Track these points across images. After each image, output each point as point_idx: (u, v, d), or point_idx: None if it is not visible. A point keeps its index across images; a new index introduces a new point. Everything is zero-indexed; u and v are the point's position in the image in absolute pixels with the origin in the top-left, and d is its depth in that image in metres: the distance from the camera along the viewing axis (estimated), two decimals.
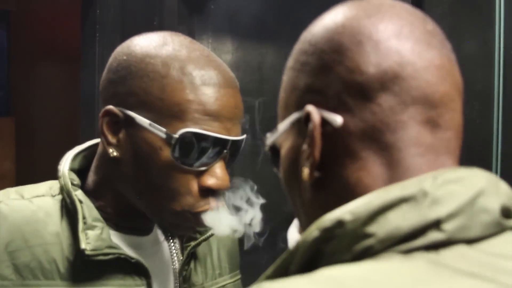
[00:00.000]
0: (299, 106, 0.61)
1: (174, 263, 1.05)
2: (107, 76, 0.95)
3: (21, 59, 4.00)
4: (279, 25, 2.84)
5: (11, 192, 0.97)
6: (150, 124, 0.89)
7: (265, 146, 0.70)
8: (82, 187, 0.97)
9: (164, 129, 0.88)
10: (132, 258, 0.93)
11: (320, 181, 0.60)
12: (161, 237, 1.06)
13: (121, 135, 0.92)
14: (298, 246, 0.55)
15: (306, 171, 0.59)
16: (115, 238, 0.96)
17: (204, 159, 0.90)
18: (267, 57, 2.81)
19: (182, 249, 1.07)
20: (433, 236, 0.50)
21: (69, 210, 0.93)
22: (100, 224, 0.93)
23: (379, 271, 0.49)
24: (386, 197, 0.52)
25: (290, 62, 0.65)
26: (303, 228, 0.67)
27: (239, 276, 1.19)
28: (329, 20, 0.62)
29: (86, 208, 0.93)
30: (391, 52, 0.57)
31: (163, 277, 1.02)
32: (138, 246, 1.00)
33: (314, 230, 0.53)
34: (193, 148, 0.88)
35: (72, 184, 0.95)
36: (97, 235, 0.91)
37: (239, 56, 2.72)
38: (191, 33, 2.52)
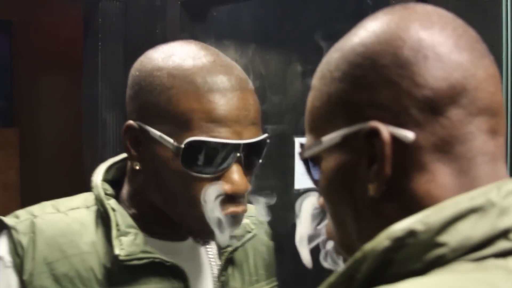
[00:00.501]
0: (353, 120, 0.61)
1: (212, 269, 1.07)
2: (127, 92, 0.98)
3: (24, 69, 4.01)
4: (282, 32, 2.83)
5: (47, 206, 1.00)
6: (160, 137, 0.91)
7: (301, 155, 0.69)
8: (117, 197, 1.02)
9: (171, 140, 0.89)
10: (167, 262, 0.95)
11: (385, 195, 0.60)
12: (197, 243, 1.07)
13: (141, 148, 0.95)
14: (366, 254, 0.56)
15: (373, 187, 0.60)
16: (151, 244, 0.98)
17: (216, 165, 0.90)
18: (270, 64, 2.80)
19: (220, 254, 1.08)
20: (502, 245, 0.53)
21: (103, 219, 0.97)
22: (134, 230, 0.96)
23: (461, 281, 0.51)
24: (456, 207, 0.54)
25: (333, 73, 0.64)
26: (348, 244, 0.67)
27: (275, 283, 1.21)
28: (382, 32, 0.61)
29: (119, 216, 0.96)
30: (455, 65, 0.58)
31: (201, 282, 1.04)
32: (174, 251, 1.01)
33: (384, 240, 0.55)
34: (202, 156, 0.89)
35: (106, 193, 0.99)
36: (130, 241, 0.94)
37: (242, 64, 2.71)
38: (193, 39, 2.50)
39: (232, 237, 1.05)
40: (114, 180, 1.05)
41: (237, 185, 0.91)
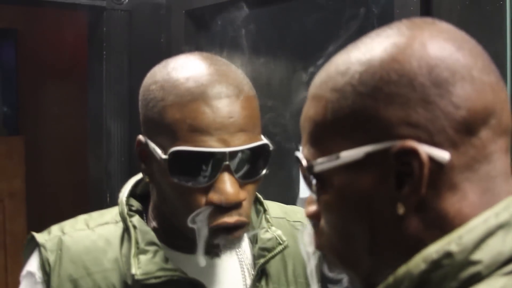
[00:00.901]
0: (381, 138, 0.60)
1: (245, 281, 1.05)
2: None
3: (29, 77, 4.02)
4: (287, 41, 2.83)
5: (79, 222, 1.04)
6: (153, 149, 0.92)
7: (307, 169, 0.67)
8: (146, 210, 1.03)
9: (159, 152, 0.90)
10: (187, 278, 0.95)
11: (412, 213, 0.60)
12: (228, 254, 1.06)
13: (147, 161, 0.96)
14: (400, 278, 0.57)
15: (403, 206, 0.60)
16: (174, 258, 0.98)
17: (204, 175, 0.89)
18: (275, 73, 2.79)
19: (254, 266, 1.07)
20: None
21: (128, 235, 0.99)
22: (153, 248, 0.96)
23: None
24: (486, 225, 0.56)
25: (358, 87, 0.61)
26: (350, 259, 0.66)
27: None
28: (416, 50, 0.60)
29: (140, 233, 0.97)
30: (487, 87, 0.60)
31: None
32: (198, 264, 1.00)
33: (420, 263, 0.56)
34: (188, 166, 0.88)
35: (131, 210, 1.01)
36: (148, 259, 0.94)
37: (247, 72, 2.69)
38: (198, 49, 2.51)
39: (264, 249, 1.06)
40: (144, 194, 1.06)
41: (225, 195, 0.88)
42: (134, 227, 0.98)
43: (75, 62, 3.45)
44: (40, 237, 1.00)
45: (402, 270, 0.57)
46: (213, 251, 1.01)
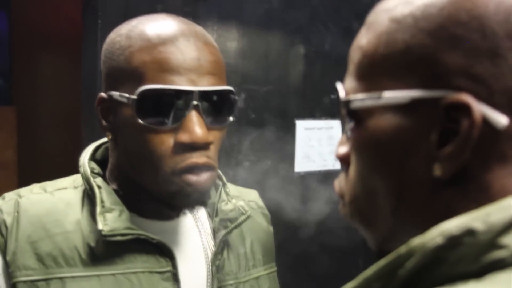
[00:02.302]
0: (434, 84, 0.52)
1: (206, 253, 1.04)
2: None
3: (23, 46, 3.97)
4: (286, 12, 2.79)
5: (35, 187, 1.01)
6: (120, 95, 0.89)
7: (344, 103, 0.60)
8: (104, 176, 1.02)
9: (126, 95, 0.88)
10: (153, 239, 0.94)
11: (450, 178, 0.53)
12: (190, 223, 1.06)
13: (110, 117, 0.95)
14: (412, 250, 0.51)
15: (440, 168, 0.52)
16: (138, 223, 0.98)
17: (172, 115, 0.88)
18: (273, 44, 2.76)
19: (215, 238, 1.06)
20: None
21: (89, 198, 0.97)
22: (119, 207, 0.95)
23: None
24: None
25: (420, 22, 0.54)
26: (364, 213, 0.61)
27: (274, 269, 1.19)
28: None
29: (105, 193, 0.96)
30: None
31: (193, 264, 1.02)
32: (162, 230, 1.00)
33: (437, 236, 0.50)
34: (157, 106, 0.87)
35: (92, 172, 0.99)
36: (115, 217, 0.93)
37: (245, 44, 2.67)
38: (195, 19, 2.47)
39: (226, 220, 1.06)
40: (103, 159, 1.05)
41: (194, 133, 0.87)
42: (99, 186, 0.96)
43: (69, 30, 3.41)
44: None
45: (416, 241, 0.51)
46: (177, 208, 1.00)
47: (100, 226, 0.91)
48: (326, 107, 2.96)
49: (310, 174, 2.89)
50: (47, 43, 3.88)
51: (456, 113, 0.50)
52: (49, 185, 1.02)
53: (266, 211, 1.24)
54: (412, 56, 0.54)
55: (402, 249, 0.52)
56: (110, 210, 0.94)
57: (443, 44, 0.52)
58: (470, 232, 0.48)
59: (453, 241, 0.49)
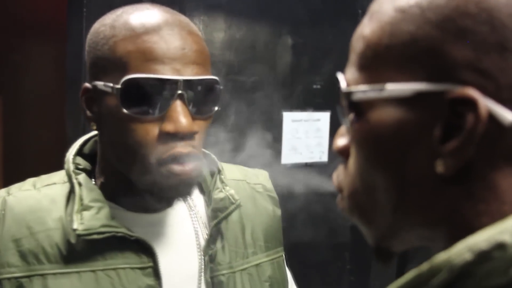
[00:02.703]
0: (440, 78, 0.50)
1: (199, 242, 1.04)
2: None
3: (7, 36, 3.92)
4: (274, 2, 2.78)
5: (26, 183, 1.02)
6: (104, 85, 0.89)
7: (346, 95, 0.58)
8: (93, 170, 1.02)
9: (110, 84, 0.88)
10: (131, 236, 0.94)
11: (453, 176, 0.51)
12: (183, 213, 1.06)
13: (94, 107, 0.94)
14: (437, 267, 0.49)
15: (443, 164, 0.51)
16: (123, 217, 0.98)
17: (157, 104, 0.88)
18: (260, 35, 2.75)
19: (208, 227, 1.06)
20: None
21: (73, 195, 0.97)
22: (98, 204, 0.94)
23: None
24: None
25: (427, 12, 0.52)
26: (363, 209, 0.60)
27: (280, 254, 1.18)
28: None
29: (85, 190, 0.96)
30: None
31: (182, 255, 1.01)
32: (149, 224, 1.01)
33: (465, 253, 0.48)
34: (141, 95, 0.87)
35: (78, 168, 1.00)
36: (91, 215, 0.92)
37: (232, 34, 2.65)
38: (182, 10, 2.45)
39: (216, 209, 1.05)
40: (93, 153, 1.04)
41: (179, 123, 0.87)
42: (80, 184, 0.96)
43: (54, 19, 3.38)
44: None
45: (440, 257, 0.48)
46: (163, 200, 0.99)
47: (75, 225, 0.91)
48: (313, 99, 2.96)
49: (296, 166, 2.88)
50: (32, 30, 3.84)
51: (462, 107, 0.49)
52: (42, 180, 1.03)
53: (274, 194, 1.22)
54: (418, 48, 0.52)
55: (425, 267, 0.50)
56: (88, 208, 0.93)
57: (450, 36, 0.50)
58: (500, 246, 0.47)
59: (483, 256, 0.47)
